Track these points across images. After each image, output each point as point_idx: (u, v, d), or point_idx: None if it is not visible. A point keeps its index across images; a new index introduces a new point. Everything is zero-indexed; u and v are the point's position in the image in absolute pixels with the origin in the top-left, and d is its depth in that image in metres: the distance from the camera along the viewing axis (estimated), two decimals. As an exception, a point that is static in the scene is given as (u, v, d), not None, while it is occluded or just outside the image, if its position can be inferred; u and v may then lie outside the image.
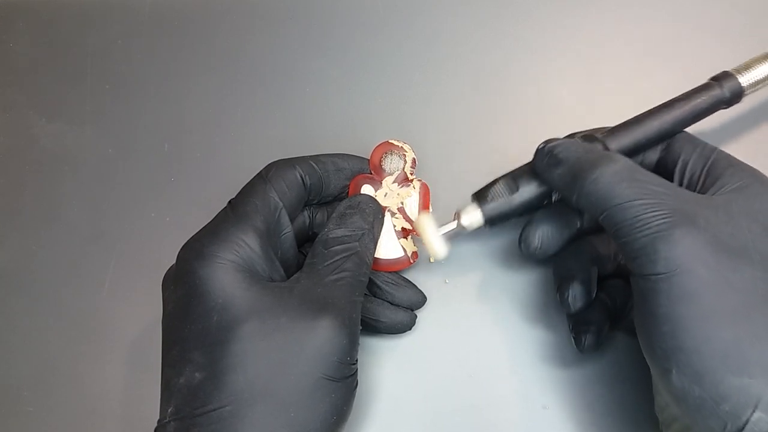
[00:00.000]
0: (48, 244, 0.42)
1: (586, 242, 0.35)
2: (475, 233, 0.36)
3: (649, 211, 0.27)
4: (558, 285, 0.34)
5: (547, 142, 0.33)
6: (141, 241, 0.41)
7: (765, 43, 0.36)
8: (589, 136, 0.34)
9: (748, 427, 0.24)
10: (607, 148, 0.33)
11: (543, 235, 0.34)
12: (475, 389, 0.36)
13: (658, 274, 0.26)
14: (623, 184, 0.28)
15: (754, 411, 0.24)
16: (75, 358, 0.39)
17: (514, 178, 0.35)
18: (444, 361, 0.37)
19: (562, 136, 0.35)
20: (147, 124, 0.44)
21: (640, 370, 0.30)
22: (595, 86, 0.43)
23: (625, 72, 0.43)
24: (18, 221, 0.43)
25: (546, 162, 0.32)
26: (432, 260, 0.36)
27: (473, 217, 0.35)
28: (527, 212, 0.35)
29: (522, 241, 0.34)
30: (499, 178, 0.35)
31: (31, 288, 0.41)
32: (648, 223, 0.27)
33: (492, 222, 0.35)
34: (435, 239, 0.34)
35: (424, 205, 0.37)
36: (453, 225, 0.35)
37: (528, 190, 0.34)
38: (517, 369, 0.36)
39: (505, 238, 0.39)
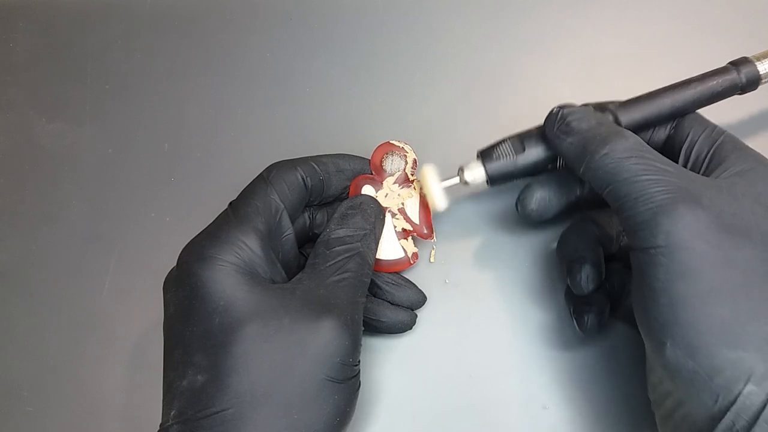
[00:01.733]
0: (48, 244, 0.42)
1: (591, 222, 0.35)
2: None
3: (653, 186, 0.27)
4: (568, 268, 0.34)
5: (561, 107, 0.33)
6: (141, 242, 0.41)
7: (766, 43, 0.36)
8: (601, 106, 0.34)
9: (739, 400, 0.24)
10: (617, 120, 0.33)
11: (541, 198, 0.34)
12: (475, 389, 0.36)
13: (659, 247, 0.26)
14: (631, 160, 0.28)
15: (746, 384, 0.24)
16: (75, 359, 0.39)
17: (521, 139, 0.34)
18: (444, 361, 0.37)
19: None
20: (147, 124, 0.44)
21: (640, 368, 0.30)
22: (595, 86, 0.43)
23: (625, 72, 0.43)
24: (18, 221, 0.43)
25: (557, 128, 0.32)
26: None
27: (476, 173, 0.35)
28: (530, 175, 0.35)
29: (519, 201, 0.34)
30: (507, 138, 0.35)
31: (31, 288, 0.41)
32: (652, 197, 0.27)
33: (494, 180, 0.35)
34: (437, 191, 0.35)
35: (425, 206, 0.37)
36: (456, 180, 0.35)
37: (534, 153, 0.34)
38: (518, 369, 0.36)
39: (505, 237, 0.39)
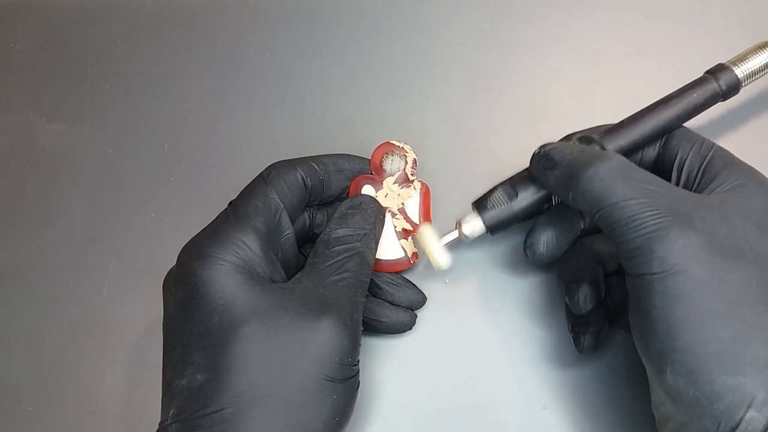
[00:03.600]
0: (48, 244, 0.42)
1: (589, 241, 0.35)
2: (477, 239, 0.36)
3: (644, 210, 0.27)
4: (567, 287, 0.34)
5: (542, 146, 0.33)
6: (141, 242, 0.41)
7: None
8: (586, 138, 0.34)
9: (741, 425, 0.24)
10: (603, 149, 0.33)
11: (548, 240, 0.34)
12: (475, 389, 0.36)
13: (653, 274, 0.26)
14: (618, 183, 0.28)
15: (747, 410, 0.24)
16: (75, 358, 0.39)
17: (512, 184, 0.34)
18: (444, 361, 0.37)
19: (559, 138, 0.35)
20: (147, 124, 0.44)
21: (639, 369, 0.30)
22: (595, 86, 0.43)
23: (625, 72, 0.43)
24: (18, 221, 0.43)
25: (542, 166, 0.32)
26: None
27: (474, 226, 0.35)
28: (528, 218, 0.35)
29: (527, 247, 0.34)
30: (498, 185, 0.35)
31: (31, 288, 0.41)
32: (644, 222, 0.27)
33: (493, 230, 0.35)
34: (437, 250, 0.34)
35: (425, 206, 0.37)
36: (455, 235, 0.35)
37: (527, 196, 0.34)
38: (517, 369, 0.36)
39: (504, 238, 0.39)
